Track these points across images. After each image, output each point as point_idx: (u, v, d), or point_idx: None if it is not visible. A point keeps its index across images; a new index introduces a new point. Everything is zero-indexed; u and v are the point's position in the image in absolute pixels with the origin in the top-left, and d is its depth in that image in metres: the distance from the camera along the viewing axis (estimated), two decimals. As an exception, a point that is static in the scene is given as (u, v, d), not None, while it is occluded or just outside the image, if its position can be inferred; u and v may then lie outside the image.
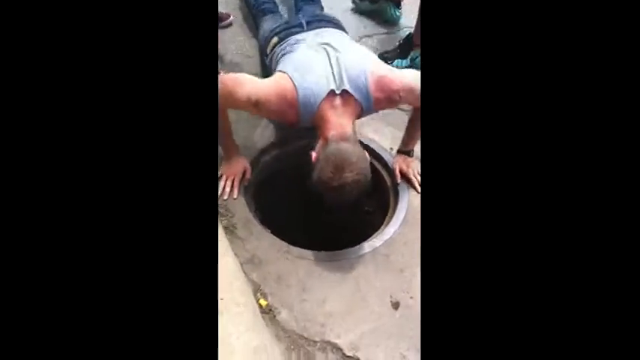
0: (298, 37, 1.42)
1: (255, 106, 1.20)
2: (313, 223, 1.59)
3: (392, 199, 1.50)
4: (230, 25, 1.95)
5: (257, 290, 1.19)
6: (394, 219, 1.41)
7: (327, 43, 1.29)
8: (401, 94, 1.23)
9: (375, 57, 1.32)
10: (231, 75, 1.26)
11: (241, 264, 1.23)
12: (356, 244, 1.36)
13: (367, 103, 1.22)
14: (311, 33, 1.42)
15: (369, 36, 2.10)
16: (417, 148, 1.52)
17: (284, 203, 1.56)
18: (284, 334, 1.14)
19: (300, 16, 1.61)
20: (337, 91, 1.18)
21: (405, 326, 1.17)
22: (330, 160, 1.12)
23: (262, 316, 1.15)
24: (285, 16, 1.88)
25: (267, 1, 1.84)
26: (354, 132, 1.21)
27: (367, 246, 1.34)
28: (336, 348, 1.13)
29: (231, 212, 1.35)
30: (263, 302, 1.17)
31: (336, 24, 1.54)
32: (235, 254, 1.24)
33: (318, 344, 1.13)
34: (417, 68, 1.84)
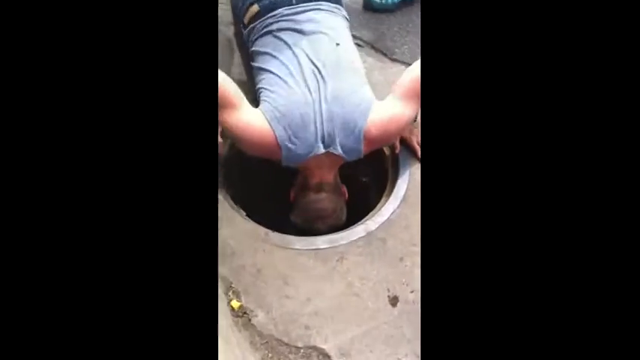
0: (283, 19, 1.17)
1: (238, 140, 1.15)
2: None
3: (391, 171, 1.29)
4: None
5: (228, 289, 1.01)
6: (393, 196, 1.21)
7: (317, 68, 1.11)
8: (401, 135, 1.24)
9: (372, 95, 1.14)
10: (227, 85, 1.06)
11: (209, 258, 1.04)
12: (347, 227, 1.17)
13: (356, 157, 1.15)
14: (302, 17, 1.17)
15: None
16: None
17: (262, 180, 1.36)
18: (261, 341, 0.97)
19: None
20: (325, 151, 1.10)
21: (403, 326, 1.01)
22: (305, 211, 1.19)
23: (235, 321, 0.97)
24: None
25: None
26: (336, 177, 1.21)
27: (360, 229, 1.15)
28: (323, 354, 0.97)
29: (196, 194, 1.14)
30: (235, 304, 0.99)
31: None
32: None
33: (302, 351, 0.98)
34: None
